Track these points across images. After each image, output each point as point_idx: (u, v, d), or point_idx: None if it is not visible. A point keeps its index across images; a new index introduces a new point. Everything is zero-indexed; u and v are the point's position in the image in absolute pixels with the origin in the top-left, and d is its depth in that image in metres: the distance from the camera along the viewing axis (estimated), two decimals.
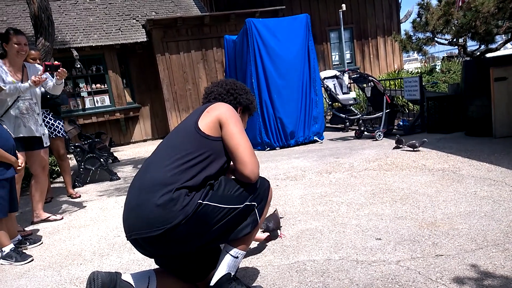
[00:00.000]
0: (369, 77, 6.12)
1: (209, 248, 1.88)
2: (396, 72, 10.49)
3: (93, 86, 10.44)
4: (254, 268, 2.24)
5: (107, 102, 10.56)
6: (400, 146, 4.95)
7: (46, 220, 3.83)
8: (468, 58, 8.42)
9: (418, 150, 4.67)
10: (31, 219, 3.82)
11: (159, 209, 1.57)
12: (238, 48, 6.72)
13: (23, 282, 2.46)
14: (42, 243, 3.21)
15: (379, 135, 5.79)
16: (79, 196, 4.81)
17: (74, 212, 4.12)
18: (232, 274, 1.79)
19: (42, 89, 4.14)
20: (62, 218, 3.90)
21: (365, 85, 6.17)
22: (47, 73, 3.35)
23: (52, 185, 5.61)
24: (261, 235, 2.45)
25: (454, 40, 8.49)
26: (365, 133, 6.39)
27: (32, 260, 2.83)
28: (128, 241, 1.71)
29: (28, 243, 3.13)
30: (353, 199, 3.24)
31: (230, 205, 1.70)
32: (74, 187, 5.21)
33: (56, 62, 3.38)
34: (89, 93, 10.40)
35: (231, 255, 1.78)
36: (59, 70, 3.35)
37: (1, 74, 3.26)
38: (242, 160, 1.73)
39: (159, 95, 10.37)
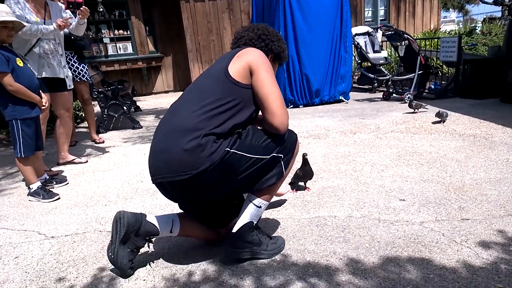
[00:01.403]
0: (405, 35, 5.82)
1: (233, 196, 1.89)
2: (433, 32, 9.96)
3: (116, 32, 10.32)
4: (274, 220, 2.25)
5: (130, 50, 10.47)
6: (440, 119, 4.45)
7: (71, 162, 3.92)
8: None
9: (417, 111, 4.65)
10: (56, 161, 3.92)
11: (187, 154, 1.55)
12: None
13: (51, 218, 2.55)
14: (68, 183, 3.30)
15: (409, 97, 5.59)
16: (103, 142, 4.89)
17: (98, 156, 4.21)
18: (254, 223, 1.80)
19: (66, 30, 4.11)
20: (86, 161, 3.98)
21: (399, 43, 5.90)
22: (69, 11, 3.29)
23: (76, 130, 5.73)
24: (283, 189, 2.45)
25: None
26: (394, 95, 6.19)
27: (59, 198, 2.92)
28: (154, 184, 1.72)
29: (54, 182, 3.22)
30: (377, 159, 3.18)
31: (257, 156, 1.67)
32: (98, 133, 5.29)
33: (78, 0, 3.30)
34: (112, 39, 10.31)
35: (254, 204, 1.77)
36: (81, 8, 3.28)
37: (24, 14, 3.23)
38: (272, 110, 1.67)
39: (182, 45, 10.19)
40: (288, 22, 5.88)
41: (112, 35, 10.29)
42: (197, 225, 1.91)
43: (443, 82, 6.62)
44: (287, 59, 5.97)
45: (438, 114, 4.23)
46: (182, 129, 1.60)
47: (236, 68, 1.68)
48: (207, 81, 1.72)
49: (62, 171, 3.66)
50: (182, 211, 1.93)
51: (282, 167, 1.77)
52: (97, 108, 6.51)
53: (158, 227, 1.78)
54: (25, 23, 3.03)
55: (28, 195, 2.92)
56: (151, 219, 1.79)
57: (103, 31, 10.23)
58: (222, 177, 1.61)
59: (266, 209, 2.40)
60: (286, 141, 1.78)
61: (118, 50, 10.41)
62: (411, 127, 4.14)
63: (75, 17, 3.53)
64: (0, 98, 2.75)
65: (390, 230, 2.00)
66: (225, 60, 1.73)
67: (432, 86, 6.38)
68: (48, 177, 3.20)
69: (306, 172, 2.56)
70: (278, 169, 1.76)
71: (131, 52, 10.43)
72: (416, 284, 1.55)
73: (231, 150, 1.59)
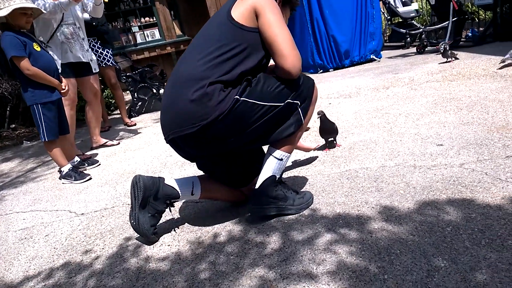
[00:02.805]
0: None
1: (252, 151, 1.79)
2: None
3: (142, 20, 10.39)
4: (302, 177, 2.14)
5: (157, 36, 10.51)
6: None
7: (104, 145, 3.98)
8: None
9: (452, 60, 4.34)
10: (90, 145, 3.99)
11: (194, 105, 1.47)
12: None
13: (82, 197, 2.58)
14: (99, 164, 3.35)
15: (444, 46, 5.19)
16: (135, 124, 4.95)
17: (129, 137, 4.25)
18: (277, 177, 1.69)
19: (86, 15, 4.12)
20: (118, 143, 4.03)
21: None
22: None
23: (110, 117, 5.84)
24: (311, 144, 2.33)
25: None
26: (429, 47, 5.80)
27: (90, 178, 2.96)
28: (167, 143, 1.66)
29: (86, 165, 3.28)
30: (412, 110, 2.97)
31: (270, 103, 1.55)
32: (130, 117, 5.36)
33: None
34: (139, 28, 10.40)
35: (275, 157, 1.67)
36: None
37: None
38: (281, 52, 1.54)
39: None
40: None
41: (139, 23, 10.37)
42: (219, 186, 1.83)
43: (480, 28, 6.12)
44: (312, 24, 5.79)
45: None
46: (187, 80, 1.51)
47: (240, 11, 1.56)
48: (211, 28, 1.61)
49: (96, 154, 3.72)
50: (203, 173, 1.87)
51: (300, 114, 1.65)
52: (129, 97, 6.61)
53: (178, 190, 1.72)
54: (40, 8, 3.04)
55: (60, 178, 2.98)
56: (170, 182, 1.73)
57: (130, 20, 10.33)
58: (234, 127, 1.51)
59: (293, 167, 2.31)
60: (302, 86, 1.65)
61: (146, 38, 10.47)
62: (448, 75, 3.84)
63: None
64: (20, 83, 2.79)
65: (427, 175, 1.83)
66: (228, 4, 1.61)
67: (470, 34, 5.91)
68: (80, 159, 3.26)
69: (328, 130, 2.41)
70: (296, 117, 1.65)
71: (159, 38, 10.47)
72: (456, 225, 1.40)
73: (241, 98, 1.49)
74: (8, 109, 6.04)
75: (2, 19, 2.69)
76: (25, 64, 2.67)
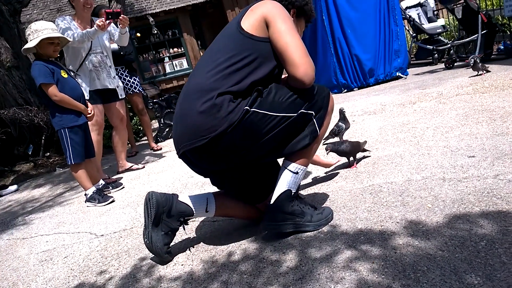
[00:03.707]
0: None
1: (267, 164, 1.72)
2: None
3: (171, 50, 10.74)
4: (323, 193, 2.04)
5: (185, 65, 10.83)
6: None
7: (129, 169, 4.02)
8: None
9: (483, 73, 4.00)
10: (116, 170, 4.04)
11: (202, 116, 1.43)
12: None
13: (104, 219, 2.58)
14: (123, 187, 3.36)
15: (475, 60, 5.01)
16: (160, 149, 5.00)
17: (154, 161, 4.28)
18: (293, 191, 1.61)
19: (115, 46, 4.26)
20: (144, 167, 4.06)
21: (454, 5, 5.35)
22: (110, 21, 3.37)
23: (137, 143, 5.94)
24: (331, 160, 2.23)
25: None
26: (458, 62, 5.61)
27: (113, 201, 2.97)
28: (180, 158, 1.62)
29: (111, 187, 3.30)
30: (441, 123, 2.82)
31: (282, 113, 1.49)
32: (156, 142, 5.43)
33: (116, 9, 3.38)
34: (168, 58, 10.74)
35: (290, 170, 1.60)
36: (120, 17, 3.34)
37: (72, 29, 3.37)
38: (292, 61, 1.49)
39: None
40: (330, 4, 5.62)
41: (168, 54, 10.73)
42: (234, 202, 1.77)
43: None
44: (334, 43, 5.75)
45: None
46: (196, 91, 1.48)
47: (250, 22, 1.53)
48: (221, 40, 1.59)
49: (121, 178, 3.75)
50: (218, 190, 1.81)
51: (315, 125, 1.58)
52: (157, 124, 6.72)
53: (192, 207, 1.67)
54: (69, 37, 3.15)
55: (85, 202, 3.00)
56: (184, 198, 1.68)
57: (159, 52, 10.71)
58: (245, 139, 1.46)
59: (313, 184, 2.22)
60: (316, 96, 1.59)
61: (175, 67, 10.82)
62: (479, 88, 3.67)
63: (117, 27, 3.61)
64: (49, 109, 2.88)
65: (458, 188, 1.70)
66: (239, 16, 1.59)
67: (501, 47, 5.69)
68: (104, 183, 3.28)
69: (343, 151, 2.28)
70: (311, 128, 1.58)
71: (187, 67, 10.78)
72: (491, 239, 1.26)
73: (251, 109, 1.44)
74: (43, 137, 6.26)
75: (32, 49, 2.82)
76: (53, 91, 2.76)
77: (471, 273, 1.12)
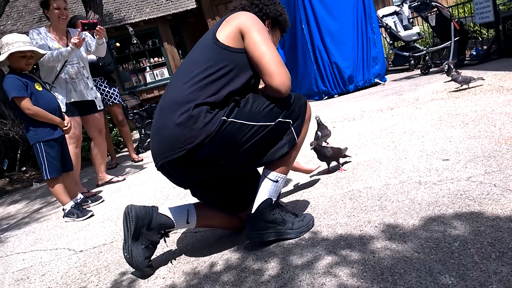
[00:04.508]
0: (432, 2, 5.43)
1: (247, 174, 1.73)
2: None
3: (152, 60, 10.69)
4: (304, 200, 2.06)
5: (166, 74, 10.79)
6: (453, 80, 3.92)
7: (109, 182, 3.97)
8: None
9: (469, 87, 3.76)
10: (96, 183, 3.98)
11: (179, 128, 1.43)
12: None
13: (83, 234, 2.54)
14: (103, 201, 3.31)
15: (449, 66, 5.14)
16: (141, 160, 4.95)
17: (135, 173, 4.24)
18: (274, 200, 1.63)
19: (93, 57, 4.22)
20: (124, 179, 4.01)
21: (428, 13, 5.50)
22: (87, 32, 3.34)
23: (118, 155, 5.88)
24: (312, 166, 2.26)
25: None
26: (433, 68, 5.76)
27: (93, 215, 2.92)
28: (158, 170, 1.62)
29: (90, 201, 3.25)
30: (417, 128, 2.89)
31: (260, 123, 1.51)
32: (137, 153, 5.38)
33: (92, 20, 3.36)
34: (149, 68, 10.68)
35: (270, 179, 1.61)
36: (96, 28, 3.32)
37: (46, 42, 3.33)
38: (268, 71, 1.51)
39: None
40: (309, 13, 5.71)
41: (148, 64, 10.67)
42: (216, 212, 1.77)
43: (484, 46, 6.08)
44: (314, 52, 5.83)
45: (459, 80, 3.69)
46: (172, 104, 1.48)
47: (225, 33, 1.55)
48: (197, 52, 1.60)
49: (101, 191, 3.69)
50: (199, 201, 1.81)
51: (293, 133, 1.60)
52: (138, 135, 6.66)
53: (173, 219, 1.66)
54: (46, 51, 3.10)
55: (63, 217, 2.94)
56: (164, 210, 1.67)
57: (140, 61, 10.66)
58: (223, 150, 1.47)
59: (295, 191, 2.24)
60: (293, 105, 1.61)
61: (156, 77, 10.77)
62: (453, 92, 3.78)
63: (94, 38, 3.58)
64: (23, 122, 2.82)
65: (433, 191, 1.74)
66: (214, 27, 1.61)
67: (474, 52, 5.87)
68: (83, 197, 3.23)
69: (325, 155, 2.32)
70: (289, 136, 1.60)
71: (168, 76, 10.74)
72: (464, 239, 1.30)
73: (229, 119, 1.45)
74: (19, 152, 6.13)
75: (6, 62, 2.77)
76: (26, 104, 2.71)
77: (446, 273, 1.15)
